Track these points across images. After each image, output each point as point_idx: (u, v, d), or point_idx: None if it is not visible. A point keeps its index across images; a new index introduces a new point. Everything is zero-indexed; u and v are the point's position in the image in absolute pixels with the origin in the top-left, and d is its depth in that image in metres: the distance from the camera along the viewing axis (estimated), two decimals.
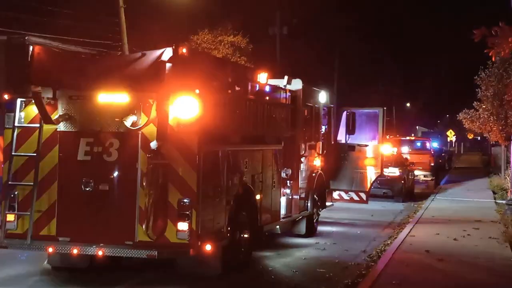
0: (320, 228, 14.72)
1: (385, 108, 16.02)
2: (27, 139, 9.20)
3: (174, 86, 8.61)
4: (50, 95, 9.11)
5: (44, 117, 8.97)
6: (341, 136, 15.45)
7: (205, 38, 27.70)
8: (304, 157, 13.21)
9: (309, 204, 13.54)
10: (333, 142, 15.22)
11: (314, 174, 13.82)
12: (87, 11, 24.28)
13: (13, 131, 9.18)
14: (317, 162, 14.13)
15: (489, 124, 25.91)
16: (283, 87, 12.48)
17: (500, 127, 24.88)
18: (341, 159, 15.18)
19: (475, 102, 27.01)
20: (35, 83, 8.95)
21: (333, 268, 10.90)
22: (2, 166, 9.63)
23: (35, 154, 9.04)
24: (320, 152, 14.23)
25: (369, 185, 15.47)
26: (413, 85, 62.35)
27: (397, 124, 56.11)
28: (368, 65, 44.32)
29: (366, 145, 15.34)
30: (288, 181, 12.54)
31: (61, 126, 9.14)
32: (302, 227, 13.72)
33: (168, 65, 8.70)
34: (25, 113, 9.25)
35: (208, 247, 8.80)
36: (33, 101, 9.03)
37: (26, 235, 8.96)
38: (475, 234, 14.42)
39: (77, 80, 8.97)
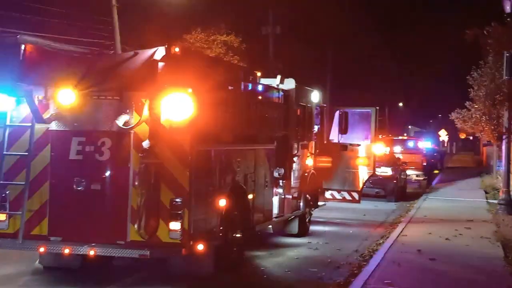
0: (313, 227, 14.73)
1: (377, 107, 16.06)
2: (19, 138, 9.16)
3: (167, 85, 8.59)
4: (42, 94, 9.09)
5: (36, 116, 8.93)
6: (334, 136, 15.48)
7: (198, 37, 27.68)
8: (296, 157, 13.21)
9: (301, 204, 13.54)
10: (325, 142, 15.24)
11: (306, 174, 13.83)
12: (80, 10, 24.22)
13: (5, 130, 9.15)
14: (310, 161, 14.14)
15: (481, 124, 25.96)
16: (276, 87, 12.49)
17: (492, 127, 24.94)
18: (334, 159, 15.18)
19: (467, 102, 27.07)
20: (27, 82, 8.91)
21: (326, 268, 10.92)
22: None
23: (26, 154, 9.01)
24: (313, 152, 14.25)
25: (361, 184, 15.50)
26: (406, 84, 62.42)
27: (389, 123, 56.20)
28: (361, 64, 44.35)
29: (359, 145, 15.36)
30: (280, 181, 12.53)
31: (53, 125, 9.10)
32: (295, 227, 13.73)
33: (160, 64, 8.68)
34: (17, 112, 9.22)
35: (200, 247, 8.79)
36: (24, 100, 8.99)
37: (17, 234, 8.90)
38: (467, 233, 14.46)
39: (69, 79, 8.94)
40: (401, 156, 27.70)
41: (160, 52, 8.79)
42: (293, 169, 13.06)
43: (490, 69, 24.00)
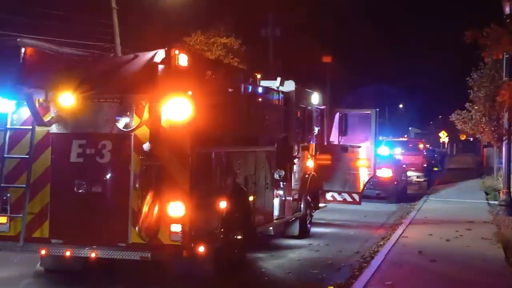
0: (313, 229, 14.73)
1: (377, 109, 16.05)
2: (19, 141, 9.17)
3: (167, 87, 8.60)
4: (43, 97, 9.10)
5: (36, 119, 8.94)
6: (334, 138, 15.48)
7: (198, 40, 27.74)
8: (297, 159, 13.22)
9: (302, 206, 13.55)
10: (326, 144, 15.24)
11: (307, 176, 13.84)
12: (80, 13, 24.25)
13: (5, 133, 9.16)
14: (310, 163, 14.15)
15: (481, 125, 25.99)
16: (276, 89, 12.50)
17: (492, 128, 24.97)
18: (334, 160, 15.19)
19: (467, 103, 27.08)
20: (27, 85, 8.92)
21: (327, 269, 10.92)
22: None
23: (27, 156, 9.02)
24: (313, 154, 14.25)
25: (362, 186, 15.48)
26: (406, 86, 62.60)
27: (390, 125, 56.24)
28: (362, 66, 44.47)
29: (359, 146, 15.36)
30: (281, 183, 12.54)
31: (54, 128, 9.12)
32: (295, 229, 13.74)
33: (160, 66, 8.69)
34: (17, 115, 9.23)
35: (201, 249, 8.79)
36: (25, 103, 9.01)
37: (18, 237, 8.91)
38: (468, 234, 14.46)
39: (70, 81, 8.96)
40: (401, 158, 27.71)
41: (160, 54, 8.80)
42: (294, 171, 13.07)
43: (489, 70, 24.04)
